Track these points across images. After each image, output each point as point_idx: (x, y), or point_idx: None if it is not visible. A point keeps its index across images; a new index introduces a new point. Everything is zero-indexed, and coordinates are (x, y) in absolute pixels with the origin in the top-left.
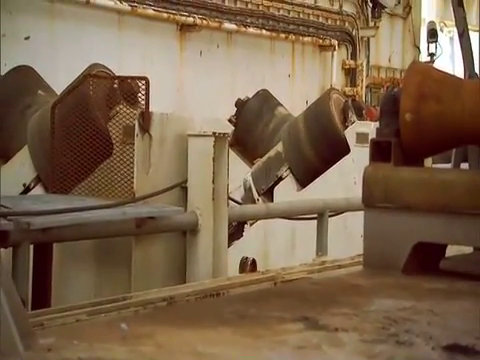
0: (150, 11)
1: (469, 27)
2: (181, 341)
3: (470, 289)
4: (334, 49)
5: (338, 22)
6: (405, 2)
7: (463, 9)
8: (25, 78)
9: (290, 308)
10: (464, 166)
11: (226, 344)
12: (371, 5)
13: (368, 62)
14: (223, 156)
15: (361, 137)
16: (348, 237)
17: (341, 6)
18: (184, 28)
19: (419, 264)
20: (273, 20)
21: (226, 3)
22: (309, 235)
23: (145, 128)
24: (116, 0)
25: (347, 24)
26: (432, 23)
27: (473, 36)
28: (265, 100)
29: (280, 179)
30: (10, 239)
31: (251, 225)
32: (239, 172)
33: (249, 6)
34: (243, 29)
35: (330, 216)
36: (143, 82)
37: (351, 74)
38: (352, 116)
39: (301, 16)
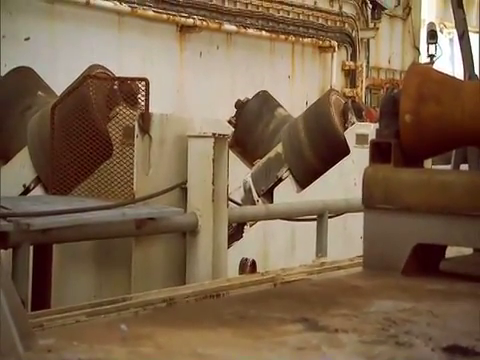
0: (150, 12)
1: (469, 28)
2: (181, 342)
3: (470, 290)
4: (334, 50)
5: (338, 23)
6: (405, 3)
7: (463, 10)
8: (25, 79)
9: (290, 309)
10: (464, 167)
11: (226, 345)
12: (371, 6)
13: (368, 63)
14: (223, 157)
15: (361, 138)
16: (348, 238)
17: (341, 7)
18: (184, 29)
19: (419, 265)
20: (273, 21)
21: (226, 4)
22: (309, 236)
23: (145, 129)
24: (116, 1)
25: (347, 25)
26: (432, 24)
27: (473, 37)
28: (265, 101)
29: (280, 180)
30: (10, 240)
31: (251, 226)
32: (239, 173)
33: (249, 7)
34: (243, 30)
35: (330, 217)
36: (143, 83)
37: (351, 75)
38: (352, 117)
39: (301, 17)
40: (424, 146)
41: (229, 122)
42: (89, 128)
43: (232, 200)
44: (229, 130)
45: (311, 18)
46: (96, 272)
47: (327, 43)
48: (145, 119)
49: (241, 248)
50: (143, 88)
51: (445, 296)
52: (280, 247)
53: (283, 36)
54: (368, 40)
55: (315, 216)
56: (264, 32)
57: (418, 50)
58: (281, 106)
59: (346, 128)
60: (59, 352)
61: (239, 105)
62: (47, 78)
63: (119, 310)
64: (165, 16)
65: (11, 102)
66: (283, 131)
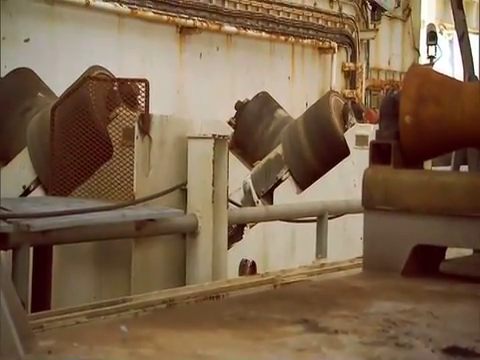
0: (150, 13)
1: (469, 30)
2: (181, 343)
3: (470, 291)
4: (334, 51)
5: (338, 25)
6: (405, 5)
7: (463, 12)
8: (25, 80)
9: (290, 310)
10: (464, 168)
11: (226, 346)
12: (371, 8)
13: (368, 64)
14: (223, 158)
15: (361, 139)
16: (348, 239)
17: (341, 8)
18: (184, 30)
19: (419, 266)
20: (273, 22)
21: (226, 6)
22: (309, 237)
23: (145, 130)
24: (116, 2)
25: (347, 27)
26: (432, 26)
27: (473, 39)
28: (265, 102)
29: (280, 181)
30: (10, 241)
31: (251, 227)
32: (239, 174)
33: (249, 8)
34: (243, 31)
35: (330, 218)
36: (143, 84)
37: (351, 76)
38: (352, 118)
39: (301, 18)
40: (424, 147)
41: (229, 123)
42: (89, 129)
43: (232, 201)
44: (229, 131)
45: (311, 19)
46: (96, 273)
47: (327, 44)
48: (145, 120)
49: (241, 249)
50: (143, 89)
51: (445, 297)
52: (280, 248)
53: (283, 37)
54: (368, 41)
55: (315, 217)
56: (264, 33)
57: (418, 51)
58: (281, 107)
59: (346, 129)
60: (59, 353)
61: (239, 106)
62: (47, 79)
63: (119, 311)
64: (165, 17)
65: (11, 103)
66: (283, 132)
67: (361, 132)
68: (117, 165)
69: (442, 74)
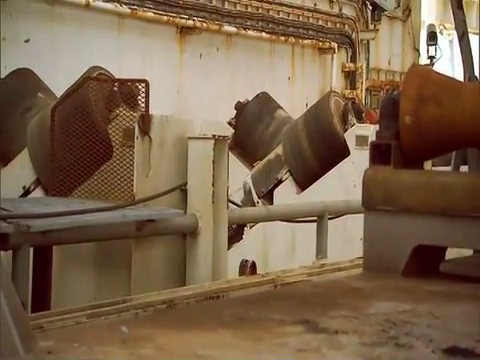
0: (150, 14)
1: (469, 30)
2: (181, 344)
3: (470, 292)
4: (334, 52)
5: (338, 25)
6: (405, 5)
7: (463, 12)
8: (25, 81)
9: (290, 311)
10: (464, 169)
11: (226, 347)
12: (371, 8)
13: (368, 65)
14: (223, 159)
15: (361, 140)
16: (348, 240)
17: (341, 9)
18: (184, 31)
19: (419, 267)
20: (273, 23)
21: (226, 6)
22: (309, 238)
23: (145, 131)
24: (116, 3)
25: (347, 27)
26: (432, 26)
27: (473, 39)
28: (265, 103)
29: (280, 182)
30: (10, 242)
31: (251, 228)
32: (239, 175)
33: (249, 9)
34: (243, 32)
35: (330, 219)
36: (143, 85)
37: (351, 77)
38: (352, 119)
39: (301, 19)
40: (424, 148)
41: (229, 124)
42: (89, 130)
43: (232, 202)
44: (229, 132)
45: (311, 20)
46: (96, 274)
47: (327, 45)
48: (145, 121)
49: (241, 249)
50: (143, 90)
51: (445, 297)
52: (280, 249)
53: (283, 38)
54: (368, 41)
55: (315, 218)
56: (264, 34)
57: (418, 51)
58: (281, 108)
59: (346, 130)
60: (59, 354)
61: (239, 107)
62: (47, 80)
63: (119, 312)
64: (165, 18)
65: (11, 104)
66: (283, 133)
67: (361, 132)
68: (117, 165)
69: (442, 74)
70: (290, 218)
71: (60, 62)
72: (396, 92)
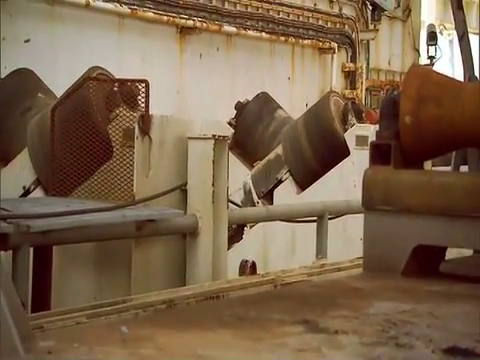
0: (150, 14)
1: (469, 30)
2: (181, 344)
3: (470, 292)
4: (334, 52)
5: (338, 25)
6: (405, 5)
7: (463, 12)
8: (25, 81)
9: (290, 311)
10: (464, 169)
11: (226, 347)
12: (371, 8)
13: (368, 65)
14: (223, 159)
15: (361, 140)
16: (348, 240)
17: (341, 9)
18: (184, 31)
19: (419, 267)
20: (273, 23)
21: (226, 6)
22: (309, 238)
23: (145, 131)
24: (116, 3)
25: (347, 27)
26: (432, 26)
27: (473, 39)
28: (265, 103)
29: (280, 182)
30: (10, 242)
31: (251, 228)
32: (239, 175)
33: (249, 9)
34: (243, 32)
35: (330, 219)
36: (143, 85)
37: (351, 77)
38: (352, 119)
39: (301, 19)
40: (424, 148)
41: (229, 124)
42: (89, 130)
43: (232, 202)
44: (229, 132)
45: (311, 20)
46: (96, 274)
47: (327, 45)
48: (145, 121)
49: (241, 250)
50: (143, 90)
51: (445, 297)
52: (280, 249)
53: (283, 38)
54: (368, 42)
55: (315, 218)
56: (264, 34)
57: (418, 52)
58: (281, 108)
59: (346, 130)
60: (59, 354)
61: (239, 107)
62: (47, 80)
63: (119, 312)
64: (165, 18)
65: (11, 104)
66: (283, 133)
67: (361, 132)
68: (117, 165)
69: (442, 74)
70: (290, 218)
71: (60, 62)
72: (396, 92)
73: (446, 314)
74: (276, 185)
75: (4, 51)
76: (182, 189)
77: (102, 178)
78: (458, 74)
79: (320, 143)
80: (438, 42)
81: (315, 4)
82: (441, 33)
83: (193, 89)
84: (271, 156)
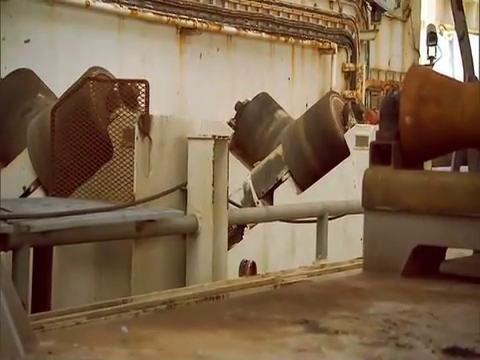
0: (150, 14)
1: (469, 30)
2: (181, 344)
3: (470, 292)
4: (334, 52)
5: (338, 25)
6: (405, 5)
7: (463, 12)
8: (25, 81)
9: (290, 311)
10: (464, 169)
11: (226, 347)
12: (371, 8)
13: (368, 65)
14: (223, 159)
15: (361, 140)
16: (348, 240)
17: (341, 9)
18: (184, 31)
19: (419, 267)
20: (272, 23)
21: (226, 6)
22: (309, 238)
23: (145, 131)
24: (116, 3)
25: (347, 27)
26: (432, 26)
27: (473, 39)
28: (265, 103)
29: (280, 182)
30: (10, 242)
31: (251, 228)
32: (239, 175)
33: (249, 9)
34: (243, 32)
35: (330, 219)
36: (143, 85)
37: (351, 77)
38: (352, 119)
39: (301, 19)
40: (424, 148)
41: (229, 124)
42: (89, 130)
43: (232, 202)
44: (229, 132)
45: (311, 20)
46: (96, 274)
47: (327, 45)
48: (145, 121)
49: (241, 250)
50: (143, 90)
51: (445, 298)
52: (280, 249)
53: (283, 38)
54: (368, 42)
55: (315, 218)
56: (264, 34)
57: (418, 52)
58: (281, 108)
59: (346, 130)
60: (59, 354)
61: (239, 107)
62: (47, 80)
63: (119, 312)
64: (165, 18)
65: (11, 104)
66: (283, 133)
67: (361, 133)
68: (117, 166)
69: (442, 75)
70: (290, 218)
71: (60, 62)
72: (396, 92)
73: (446, 314)
74: (276, 185)
75: (4, 51)
76: (182, 189)
77: (102, 178)
78: (458, 74)
79: (320, 143)
80: (438, 42)
81: (315, 4)
82: (441, 33)
83: (193, 89)
84: (271, 156)
